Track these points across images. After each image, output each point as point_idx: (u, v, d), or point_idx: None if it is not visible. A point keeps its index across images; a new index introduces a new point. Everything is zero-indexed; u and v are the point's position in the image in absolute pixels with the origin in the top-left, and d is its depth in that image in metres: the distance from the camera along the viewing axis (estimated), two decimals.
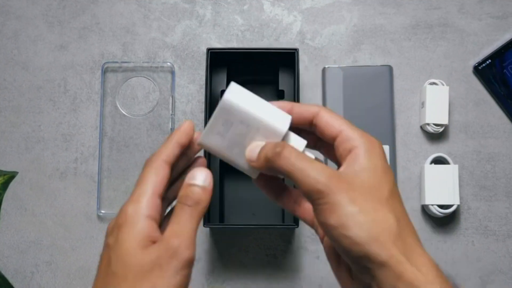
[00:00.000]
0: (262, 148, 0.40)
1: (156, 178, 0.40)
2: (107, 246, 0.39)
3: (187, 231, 0.38)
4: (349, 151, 0.39)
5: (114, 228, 0.39)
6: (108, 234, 0.40)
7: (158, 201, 0.39)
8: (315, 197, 0.38)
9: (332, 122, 0.40)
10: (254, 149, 0.41)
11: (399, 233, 0.37)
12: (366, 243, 0.37)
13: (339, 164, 0.40)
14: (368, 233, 0.37)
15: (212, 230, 0.68)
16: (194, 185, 0.40)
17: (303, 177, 0.38)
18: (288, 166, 0.38)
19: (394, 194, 0.39)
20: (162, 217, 0.41)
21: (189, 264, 0.38)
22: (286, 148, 0.39)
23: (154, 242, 0.38)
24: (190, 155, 0.43)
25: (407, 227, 0.39)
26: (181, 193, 0.40)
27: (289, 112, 0.41)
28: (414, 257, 0.37)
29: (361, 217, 0.37)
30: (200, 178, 0.40)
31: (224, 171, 0.66)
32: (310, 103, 0.44)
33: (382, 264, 0.36)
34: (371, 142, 0.40)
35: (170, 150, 0.41)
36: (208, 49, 0.64)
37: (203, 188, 0.40)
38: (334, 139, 0.40)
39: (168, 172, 0.41)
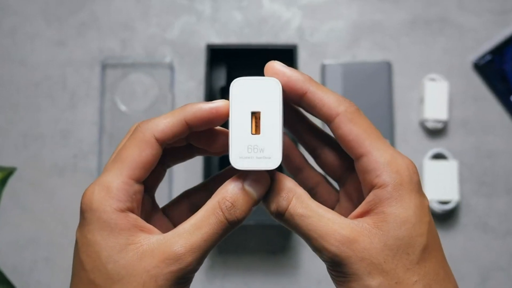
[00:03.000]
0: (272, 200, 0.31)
1: (137, 156, 0.30)
2: (76, 244, 0.30)
3: (204, 247, 0.30)
4: (371, 186, 0.30)
5: (80, 221, 0.30)
6: (78, 228, 0.30)
7: (136, 188, 0.30)
8: (331, 263, 0.29)
9: (355, 137, 0.30)
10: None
11: None
12: None
13: (353, 196, 0.33)
14: None
15: None
16: (247, 191, 0.30)
17: (318, 238, 0.29)
18: (301, 226, 0.30)
19: (429, 251, 0.30)
20: (148, 205, 0.34)
21: (190, 279, 0.30)
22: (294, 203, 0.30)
23: (143, 231, 0.30)
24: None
25: None
26: (222, 193, 0.30)
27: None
28: None
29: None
30: (257, 186, 0.30)
31: (223, 168, 0.66)
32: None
33: None
34: (401, 175, 0.29)
35: (169, 122, 0.30)
36: (207, 45, 0.64)
37: (254, 200, 0.31)
38: (355, 155, 0.30)
39: (156, 152, 0.30)
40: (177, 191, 0.68)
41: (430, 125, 0.68)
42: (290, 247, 0.68)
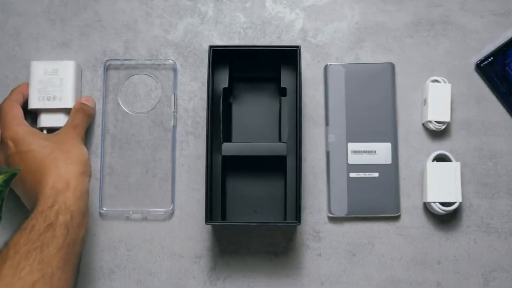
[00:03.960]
0: None
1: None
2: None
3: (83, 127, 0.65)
4: None
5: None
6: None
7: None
8: None
9: None
10: None
11: None
12: None
13: None
14: None
15: (214, 227, 0.68)
16: (88, 106, 0.67)
17: None
18: None
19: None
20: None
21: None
22: None
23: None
24: None
25: None
26: (77, 106, 0.66)
27: None
28: None
29: None
30: (93, 104, 0.68)
31: (226, 168, 0.66)
32: None
33: None
34: None
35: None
36: (210, 47, 0.64)
37: (93, 109, 0.68)
38: None
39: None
40: (179, 191, 0.68)
41: (432, 126, 0.68)
42: (292, 249, 0.68)
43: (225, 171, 0.67)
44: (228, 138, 0.68)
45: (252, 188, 0.67)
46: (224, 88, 0.67)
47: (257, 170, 0.68)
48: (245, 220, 0.67)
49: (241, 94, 0.70)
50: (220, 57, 0.66)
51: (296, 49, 0.64)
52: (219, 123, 0.65)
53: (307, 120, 0.69)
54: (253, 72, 0.70)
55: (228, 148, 0.65)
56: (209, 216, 0.62)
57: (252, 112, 0.69)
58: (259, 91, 0.70)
